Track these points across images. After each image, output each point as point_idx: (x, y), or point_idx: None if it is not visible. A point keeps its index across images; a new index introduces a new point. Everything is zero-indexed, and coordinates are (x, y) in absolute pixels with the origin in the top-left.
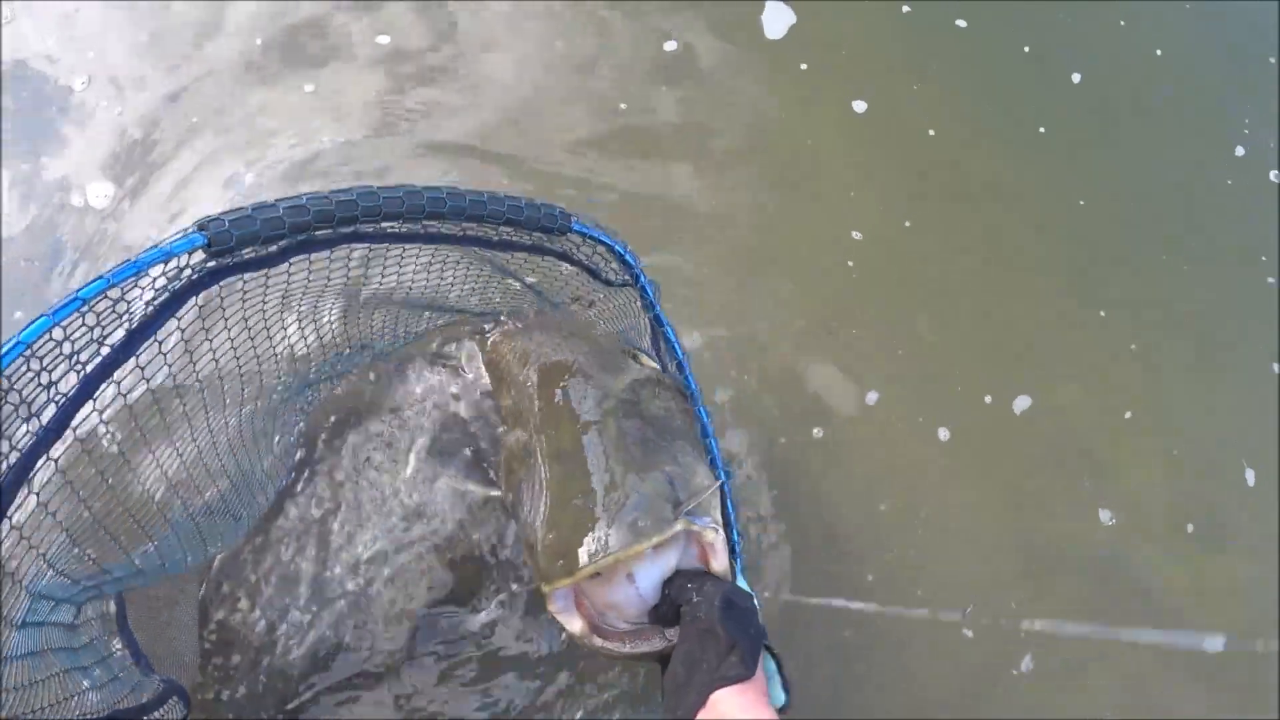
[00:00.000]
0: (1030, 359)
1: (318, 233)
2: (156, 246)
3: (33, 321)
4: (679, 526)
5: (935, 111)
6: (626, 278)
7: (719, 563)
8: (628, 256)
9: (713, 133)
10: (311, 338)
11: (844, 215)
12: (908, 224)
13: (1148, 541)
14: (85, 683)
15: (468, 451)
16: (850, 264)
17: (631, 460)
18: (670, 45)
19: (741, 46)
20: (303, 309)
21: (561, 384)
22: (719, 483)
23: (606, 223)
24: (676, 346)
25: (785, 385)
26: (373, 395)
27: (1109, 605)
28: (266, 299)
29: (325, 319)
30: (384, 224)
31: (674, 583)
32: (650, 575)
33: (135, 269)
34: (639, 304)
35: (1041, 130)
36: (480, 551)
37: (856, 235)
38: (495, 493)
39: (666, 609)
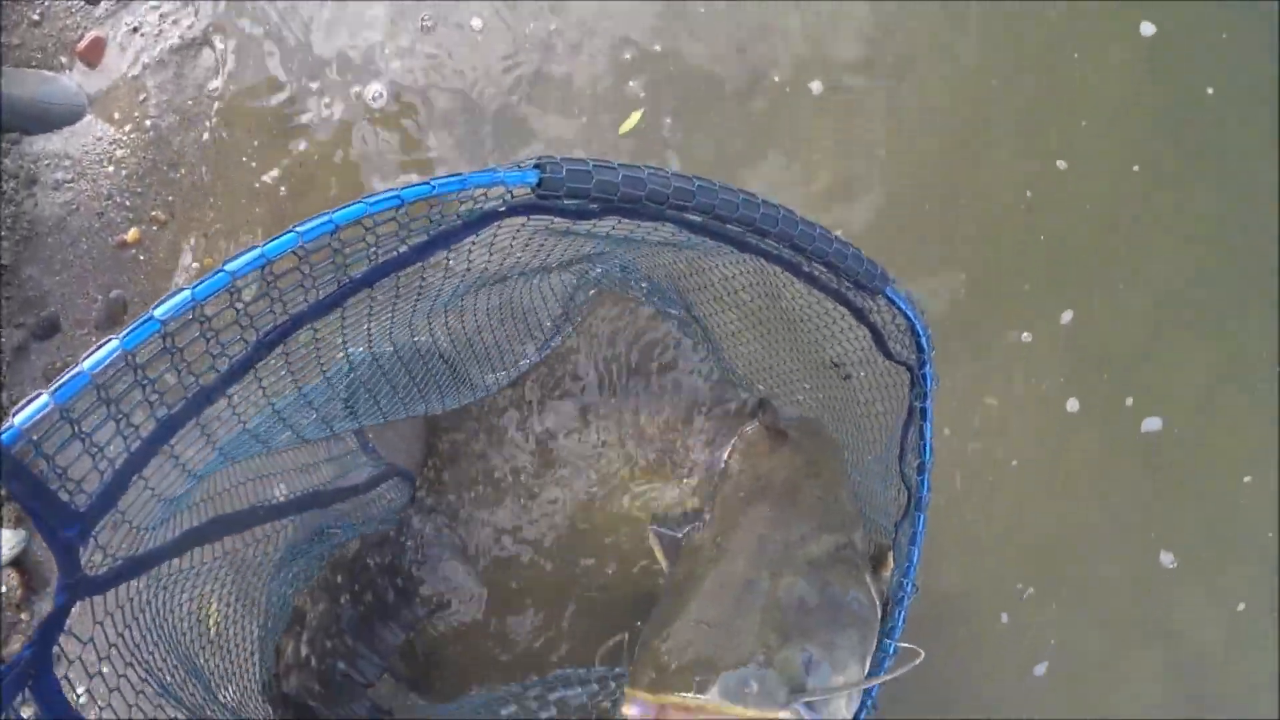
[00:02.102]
0: None
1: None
2: (490, 171)
3: (349, 205)
4: (784, 714)
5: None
6: (908, 357)
7: None
8: (924, 340)
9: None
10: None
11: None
12: (1135, 168)
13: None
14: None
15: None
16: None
17: (782, 623)
18: None
19: None
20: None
21: (770, 513)
22: (859, 685)
23: None
24: (928, 447)
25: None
26: None
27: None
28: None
29: None
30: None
31: None
32: None
33: (460, 186)
34: (907, 388)
35: None
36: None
37: (1061, 164)
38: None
39: None
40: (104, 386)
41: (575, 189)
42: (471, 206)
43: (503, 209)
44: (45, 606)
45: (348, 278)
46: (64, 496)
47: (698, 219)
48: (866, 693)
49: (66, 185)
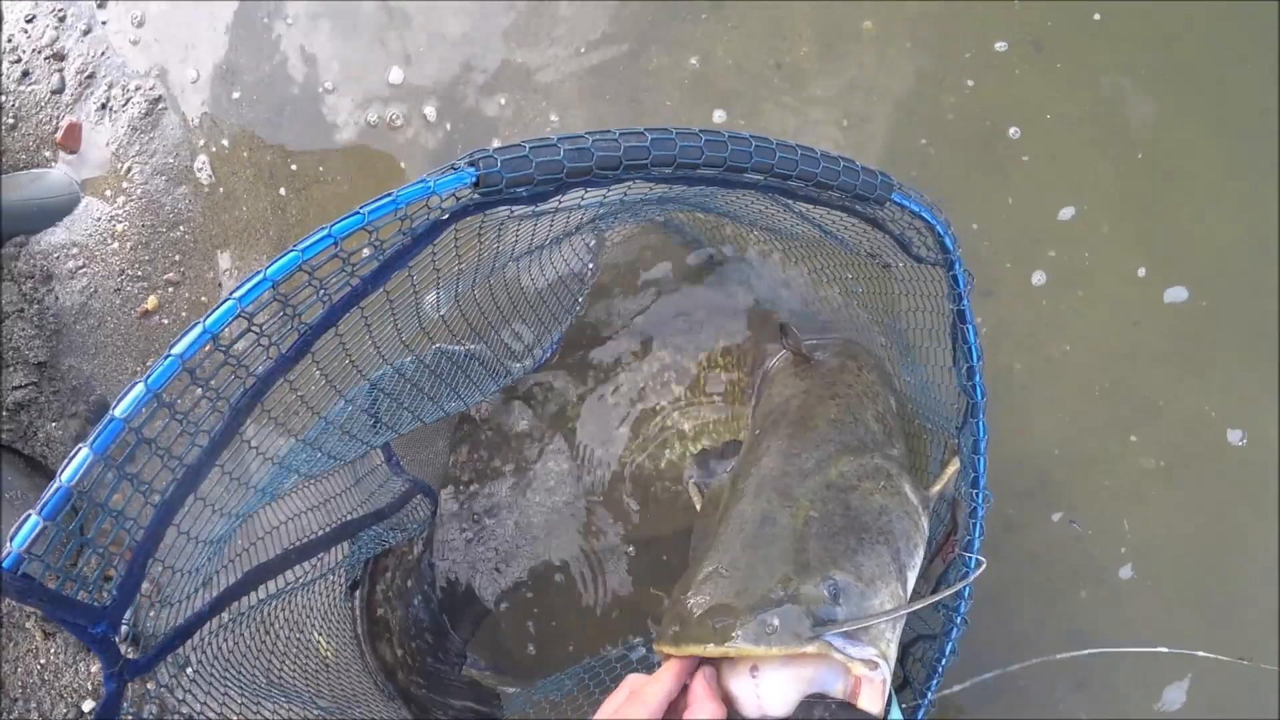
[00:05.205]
0: None
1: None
2: (422, 182)
3: (280, 257)
4: (810, 649)
5: None
6: (937, 259)
7: (869, 704)
8: (947, 239)
9: None
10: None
11: None
12: None
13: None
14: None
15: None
16: None
17: (802, 555)
18: None
19: None
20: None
21: (784, 444)
22: (902, 612)
23: None
24: (974, 348)
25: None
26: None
27: None
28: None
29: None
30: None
31: (814, 709)
32: (778, 682)
33: (395, 206)
34: (945, 287)
35: None
36: None
37: None
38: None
39: None
40: (85, 493)
41: (516, 177)
42: (411, 223)
43: (445, 217)
44: None
45: (306, 325)
46: (84, 597)
47: (666, 171)
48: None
49: (80, 272)
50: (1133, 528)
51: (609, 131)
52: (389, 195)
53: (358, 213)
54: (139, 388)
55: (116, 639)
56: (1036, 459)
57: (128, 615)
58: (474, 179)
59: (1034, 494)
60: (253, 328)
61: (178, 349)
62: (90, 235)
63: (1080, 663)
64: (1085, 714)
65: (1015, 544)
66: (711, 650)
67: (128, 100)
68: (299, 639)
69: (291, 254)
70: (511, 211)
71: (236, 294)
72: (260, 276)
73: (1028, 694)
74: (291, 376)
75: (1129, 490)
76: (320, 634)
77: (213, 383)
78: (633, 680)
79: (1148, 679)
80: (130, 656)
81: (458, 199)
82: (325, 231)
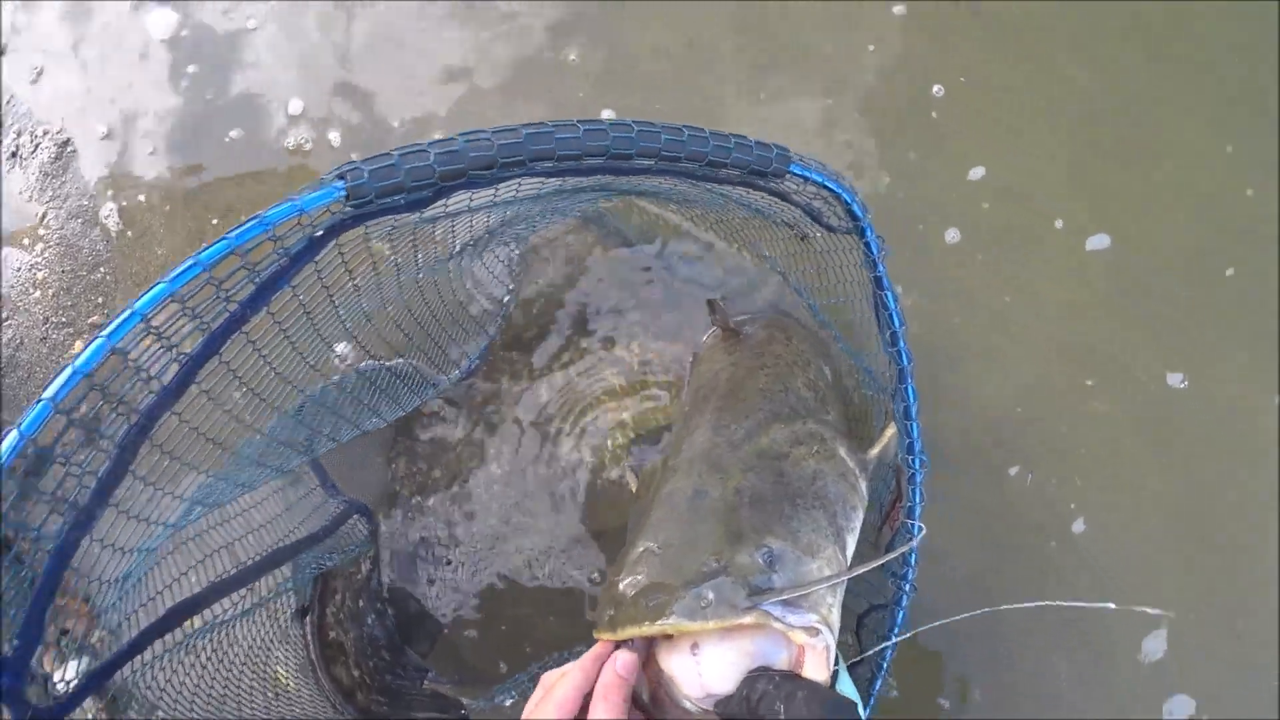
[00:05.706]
0: None
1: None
2: (290, 201)
3: (148, 290)
4: (747, 619)
5: None
6: (849, 225)
7: (814, 672)
8: (855, 206)
9: None
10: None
11: None
12: None
13: None
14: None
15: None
16: None
17: (735, 524)
18: None
19: None
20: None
21: (713, 418)
22: (840, 578)
23: None
24: (895, 314)
25: None
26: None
27: None
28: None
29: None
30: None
31: (757, 683)
32: (720, 658)
33: (264, 228)
34: (860, 255)
35: None
36: None
37: None
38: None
39: (739, 708)
40: None
41: (386, 186)
42: (285, 243)
43: (320, 233)
44: None
45: (186, 355)
46: None
47: (547, 165)
48: (896, 575)
49: (4, 324)
50: (1085, 482)
51: (481, 131)
52: (256, 217)
53: (224, 238)
54: (12, 434)
55: (24, 689)
56: (991, 415)
57: (34, 660)
58: (343, 192)
59: (990, 450)
60: (128, 363)
61: (48, 392)
62: (12, 286)
63: (1060, 614)
64: (1065, 666)
65: (975, 502)
66: (647, 630)
67: (37, 146)
68: (251, 668)
69: (160, 285)
70: (396, 221)
71: (105, 331)
72: (129, 312)
73: (1003, 647)
74: (179, 409)
75: (1084, 442)
76: (280, 665)
77: (96, 421)
78: (545, 679)
79: (1130, 632)
80: (37, 704)
81: (331, 213)
82: (192, 260)
